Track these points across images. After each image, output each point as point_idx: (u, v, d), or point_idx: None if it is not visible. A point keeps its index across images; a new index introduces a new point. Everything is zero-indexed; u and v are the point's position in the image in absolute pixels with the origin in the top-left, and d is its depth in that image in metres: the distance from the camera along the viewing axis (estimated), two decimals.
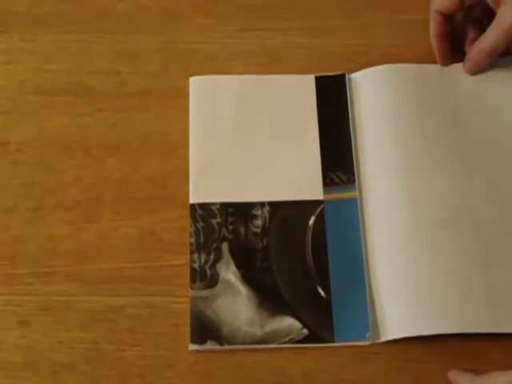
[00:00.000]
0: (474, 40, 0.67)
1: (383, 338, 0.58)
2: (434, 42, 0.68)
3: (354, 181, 0.64)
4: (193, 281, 0.60)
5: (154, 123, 0.67)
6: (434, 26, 0.67)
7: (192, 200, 0.63)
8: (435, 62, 0.69)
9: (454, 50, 0.69)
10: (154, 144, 0.66)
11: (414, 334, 0.58)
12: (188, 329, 0.58)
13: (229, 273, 0.60)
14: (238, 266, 0.61)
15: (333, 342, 0.58)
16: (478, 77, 0.68)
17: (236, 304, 0.59)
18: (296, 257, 0.61)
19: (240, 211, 0.63)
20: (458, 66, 0.69)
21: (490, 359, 0.57)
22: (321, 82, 0.69)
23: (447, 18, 0.67)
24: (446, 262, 0.60)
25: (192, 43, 0.71)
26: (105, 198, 0.63)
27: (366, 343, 0.58)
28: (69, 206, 0.63)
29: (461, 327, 0.58)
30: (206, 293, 0.60)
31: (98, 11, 0.72)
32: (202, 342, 0.58)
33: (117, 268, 0.61)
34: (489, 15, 0.65)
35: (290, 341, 0.58)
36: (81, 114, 0.67)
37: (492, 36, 0.64)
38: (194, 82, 0.69)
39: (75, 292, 0.60)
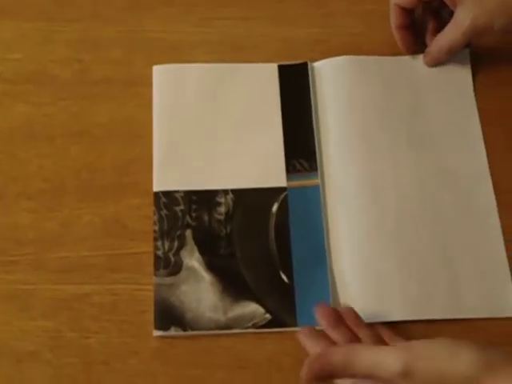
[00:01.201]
0: (434, 31, 0.69)
1: None
2: (396, 33, 0.69)
3: (316, 168, 0.65)
4: (156, 268, 0.60)
5: (117, 111, 0.67)
6: (394, 19, 0.68)
7: (156, 188, 0.63)
8: (396, 51, 0.70)
9: (416, 40, 0.70)
10: (117, 132, 0.66)
11: (375, 321, 0.59)
12: (152, 316, 0.58)
13: (192, 260, 0.61)
14: (201, 252, 0.61)
15: (295, 326, 0.59)
16: (435, 68, 0.70)
17: (200, 290, 0.60)
18: (259, 243, 0.62)
19: (204, 199, 0.63)
20: (417, 57, 0.70)
21: None
22: (283, 71, 0.69)
23: (407, 10, 0.68)
24: (408, 250, 0.62)
25: (155, 32, 0.71)
26: (68, 186, 0.63)
27: None
28: (32, 194, 0.63)
29: (420, 315, 0.59)
30: (169, 280, 0.60)
31: (61, 0, 0.72)
32: (165, 328, 0.58)
33: (80, 256, 0.61)
34: (447, 7, 0.67)
35: (254, 326, 0.59)
36: (43, 102, 0.67)
37: (450, 35, 0.66)
38: (158, 71, 0.69)
39: (39, 280, 0.60)
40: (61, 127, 0.66)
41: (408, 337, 0.56)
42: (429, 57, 0.69)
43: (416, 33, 0.70)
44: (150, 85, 0.68)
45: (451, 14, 0.66)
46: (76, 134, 0.66)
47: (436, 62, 0.69)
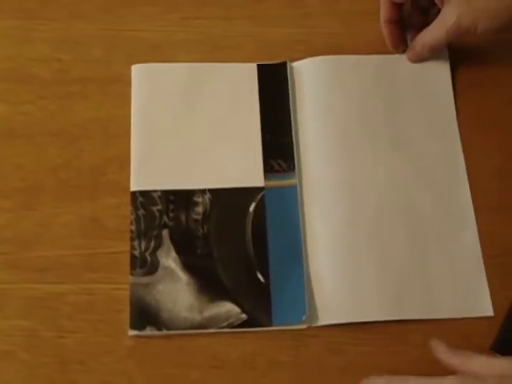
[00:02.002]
0: (420, 27, 0.69)
1: (320, 323, 0.60)
2: (384, 28, 0.69)
3: (294, 168, 0.65)
4: (133, 268, 0.61)
5: (95, 111, 0.67)
6: (384, 12, 0.69)
7: (133, 187, 0.64)
8: (376, 50, 0.70)
9: (403, 37, 0.70)
10: (95, 131, 0.66)
11: (351, 321, 0.59)
12: (128, 315, 0.59)
13: (169, 259, 0.61)
14: (178, 252, 0.61)
15: (271, 325, 0.59)
16: (414, 68, 0.70)
17: (176, 290, 0.60)
18: (236, 243, 0.62)
19: (181, 198, 0.63)
20: (397, 57, 0.70)
21: (420, 341, 0.59)
22: (263, 71, 0.69)
23: (396, 5, 0.68)
24: (385, 250, 0.62)
25: (135, 31, 0.71)
26: (45, 185, 0.63)
27: (303, 327, 0.59)
28: (8, 194, 0.63)
29: (396, 315, 0.60)
30: (146, 279, 0.60)
31: None
32: (141, 327, 0.58)
33: (57, 255, 0.61)
34: (435, 5, 0.67)
35: (229, 325, 0.59)
36: (22, 101, 0.67)
37: (435, 32, 0.67)
38: (137, 70, 0.69)
39: (15, 280, 0.60)
40: (39, 126, 0.66)
41: (383, 336, 0.57)
42: (412, 52, 0.69)
43: (403, 30, 0.70)
44: (129, 84, 0.68)
45: (438, 12, 0.66)
46: (54, 133, 0.66)
47: (419, 58, 0.70)
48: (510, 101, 0.68)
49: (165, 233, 0.62)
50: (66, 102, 0.67)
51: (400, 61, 0.70)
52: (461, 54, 0.71)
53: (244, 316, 0.59)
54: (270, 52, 0.70)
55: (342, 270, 0.61)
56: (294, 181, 0.65)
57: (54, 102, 0.67)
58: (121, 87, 0.68)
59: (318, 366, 0.58)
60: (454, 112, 0.68)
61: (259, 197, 0.64)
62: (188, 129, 0.67)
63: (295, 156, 0.65)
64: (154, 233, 0.62)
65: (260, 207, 0.63)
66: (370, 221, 0.63)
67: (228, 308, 0.60)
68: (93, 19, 0.71)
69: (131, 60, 0.69)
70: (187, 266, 0.61)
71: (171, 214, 0.63)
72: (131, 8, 0.72)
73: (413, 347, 0.59)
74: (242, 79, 0.69)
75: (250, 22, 0.72)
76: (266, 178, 0.65)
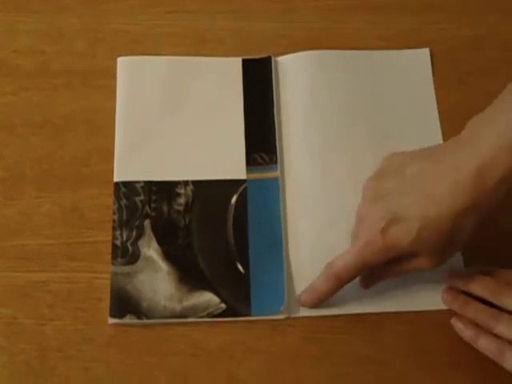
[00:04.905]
0: None
1: (300, 314, 0.60)
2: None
3: (276, 161, 0.66)
4: (114, 257, 0.61)
5: (79, 102, 0.67)
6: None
7: (116, 178, 0.64)
8: (358, 45, 0.71)
9: None
10: (78, 123, 0.66)
11: (330, 313, 0.60)
12: (108, 304, 0.59)
13: (150, 249, 0.62)
14: (159, 242, 0.62)
15: (249, 315, 0.59)
16: (396, 64, 0.71)
17: (156, 280, 0.60)
18: (217, 234, 0.63)
19: (163, 189, 0.64)
20: (379, 52, 0.71)
21: (396, 330, 0.59)
22: (247, 65, 0.70)
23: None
24: None
25: (120, 24, 0.71)
26: (28, 175, 0.64)
27: (282, 317, 0.59)
28: None
29: (375, 307, 0.60)
30: (127, 269, 0.61)
31: None
32: (121, 316, 0.59)
33: (38, 244, 0.61)
34: None
35: (209, 315, 0.59)
36: (5, 92, 0.67)
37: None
38: (122, 63, 0.69)
39: None
40: (22, 117, 0.66)
41: (360, 325, 0.58)
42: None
43: None
44: (113, 77, 0.68)
45: None
46: (37, 125, 0.66)
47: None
48: (488, 94, 0.69)
49: (147, 223, 0.62)
50: (50, 94, 0.67)
51: (382, 56, 0.71)
52: (442, 49, 0.71)
53: (223, 306, 0.60)
54: (252, 46, 0.71)
55: (322, 262, 0.61)
56: (276, 173, 0.65)
57: (38, 94, 0.67)
58: (105, 80, 0.68)
59: (296, 354, 0.58)
60: (435, 105, 0.69)
61: (241, 189, 0.64)
62: (172, 121, 0.67)
63: (277, 149, 0.66)
64: (136, 223, 0.62)
65: (242, 199, 0.64)
66: (351, 214, 0.64)
67: (207, 298, 0.60)
68: (77, 12, 0.72)
69: (115, 53, 0.70)
70: (168, 256, 0.61)
71: (153, 205, 0.63)
72: (116, 1, 0.73)
73: (389, 336, 0.59)
74: (227, 73, 0.70)
75: (234, 16, 0.73)
76: (248, 170, 0.65)
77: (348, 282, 0.58)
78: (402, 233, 0.53)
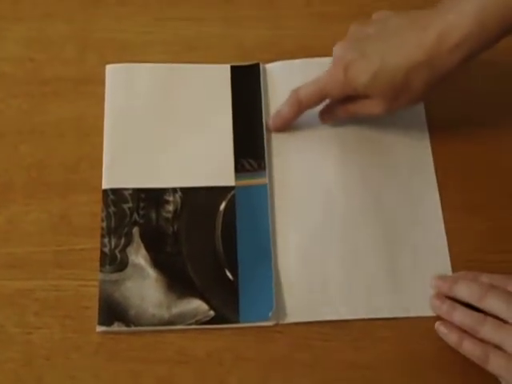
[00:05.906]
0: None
1: (288, 321, 0.60)
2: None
3: (264, 167, 0.66)
4: (102, 264, 0.61)
5: (68, 110, 0.67)
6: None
7: (104, 185, 0.64)
8: None
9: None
10: (67, 130, 0.66)
11: (319, 319, 0.60)
12: (96, 312, 0.59)
13: (139, 257, 0.61)
14: (148, 250, 0.62)
15: (238, 322, 0.59)
16: None
17: (144, 287, 0.60)
18: (206, 241, 0.63)
19: (152, 197, 0.64)
20: None
21: (384, 336, 0.60)
22: (236, 72, 0.70)
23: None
24: (353, 250, 0.63)
25: (108, 31, 0.71)
26: (16, 183, 0.64)
27: (270, 323, 0.60)
28: None
29: (364, 313, 0.60)
30: (115, 276, 0.61)
31: None
32: (109, 323, 0.59)
33: (26, 252, 0.61)
34: None
35: (197, 322, 0.59)
36: None
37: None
38: (110, 70, 0.69)
39: None
40: (10, 125, 0.66)
41: (349, 332, 0.58)
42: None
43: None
44: (101, 84, 0.68)
45: None
46: (26, 132, 0.66)
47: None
48: (476, 103, 0.70)
49: (135, 230, 0.62)
50: (39, 101, 0.67)
51: None
52: None
53: (212, 313, 0.60)
54: (241, 53, 0.71)
55: (311, 269, 0.62)
56: (264, 180, 0.65)
57: (27, 101, 0.67)
58: (93, 87, 0.68)
59: (285, 361, 0.58)
60: (424, 113, 0.69)
61: (230, 196, 0.64)
62: (160, 128, 0.67)
63: (266, 155, 0.66)
64: (125, 230, 0.62)
65: (230, 206, 0.64)
66: (339, 221, 0.64)
67: (196, 305, 0.60)
68: (66, 19, 0.72)
69: (104, 60, 0.69)
70: (156, 264, 0.61)
71: (142, 212, 0.63)
72: (104, 8, 0.72)
73: (380, 342, 0.59)
74: (216, 80, 0.70)
75: (222, 23, 0.73)
76: (236, 177, 0.65)
77: (308, 107, 0.65)
78: (361, 70, 0.59)
